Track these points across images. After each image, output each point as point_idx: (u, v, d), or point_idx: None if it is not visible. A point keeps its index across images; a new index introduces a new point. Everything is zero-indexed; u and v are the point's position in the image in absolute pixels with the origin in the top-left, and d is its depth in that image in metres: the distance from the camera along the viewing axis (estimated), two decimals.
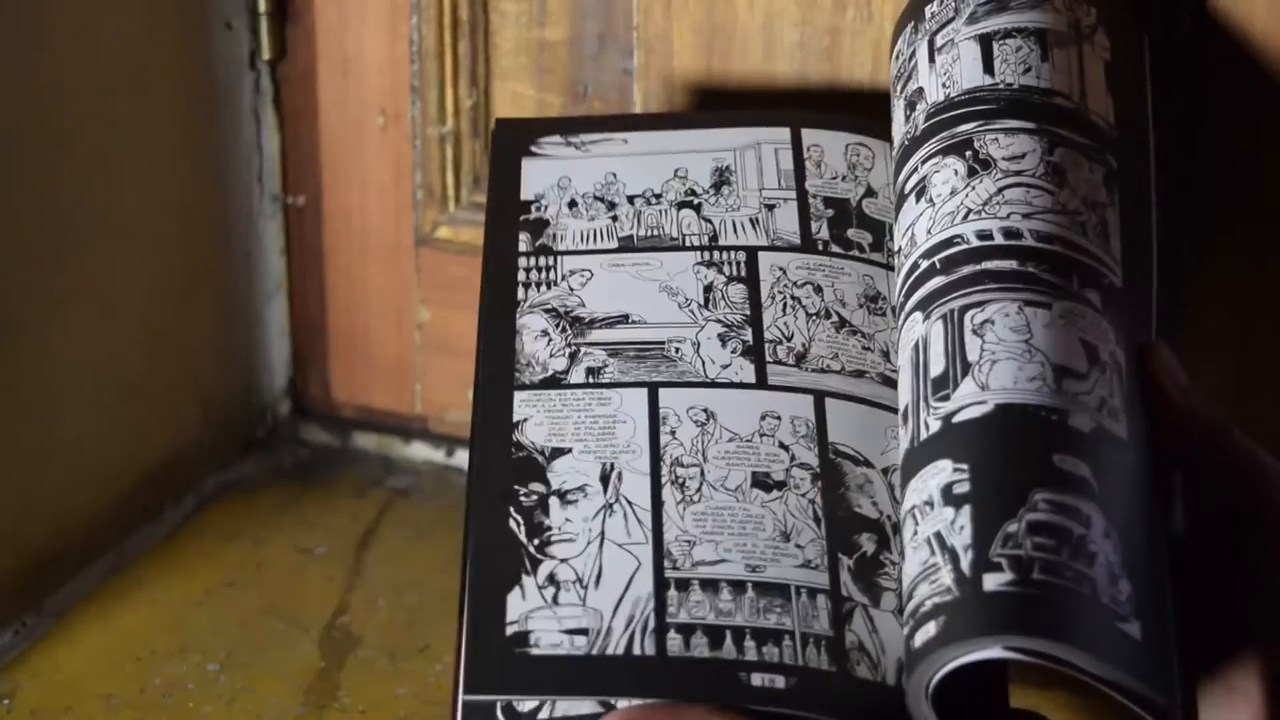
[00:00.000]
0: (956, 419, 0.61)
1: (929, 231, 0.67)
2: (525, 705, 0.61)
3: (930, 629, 0.57)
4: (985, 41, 0.70)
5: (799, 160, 0.75)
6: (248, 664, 0.86)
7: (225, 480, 1.01)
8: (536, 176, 0.76)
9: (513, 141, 0.77)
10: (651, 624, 0.60)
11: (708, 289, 0.71)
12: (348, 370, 1.02)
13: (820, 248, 0.72)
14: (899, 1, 0.82)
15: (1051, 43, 0.70)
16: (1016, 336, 0.62)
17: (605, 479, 0.64)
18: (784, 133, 0.76)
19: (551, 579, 0.62)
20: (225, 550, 0.95)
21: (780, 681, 0.59)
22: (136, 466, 0.95)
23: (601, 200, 0.74)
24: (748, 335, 0.69)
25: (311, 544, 0.95)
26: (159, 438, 0.97)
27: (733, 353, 0.68)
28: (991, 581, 0.56)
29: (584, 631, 0.60)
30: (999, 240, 0.65)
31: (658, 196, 0.74)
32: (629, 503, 0.64)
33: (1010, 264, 0.64)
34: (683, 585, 0.61)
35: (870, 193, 0.74)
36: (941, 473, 0.60)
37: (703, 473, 0.64)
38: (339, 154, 0.98)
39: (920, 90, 0.71)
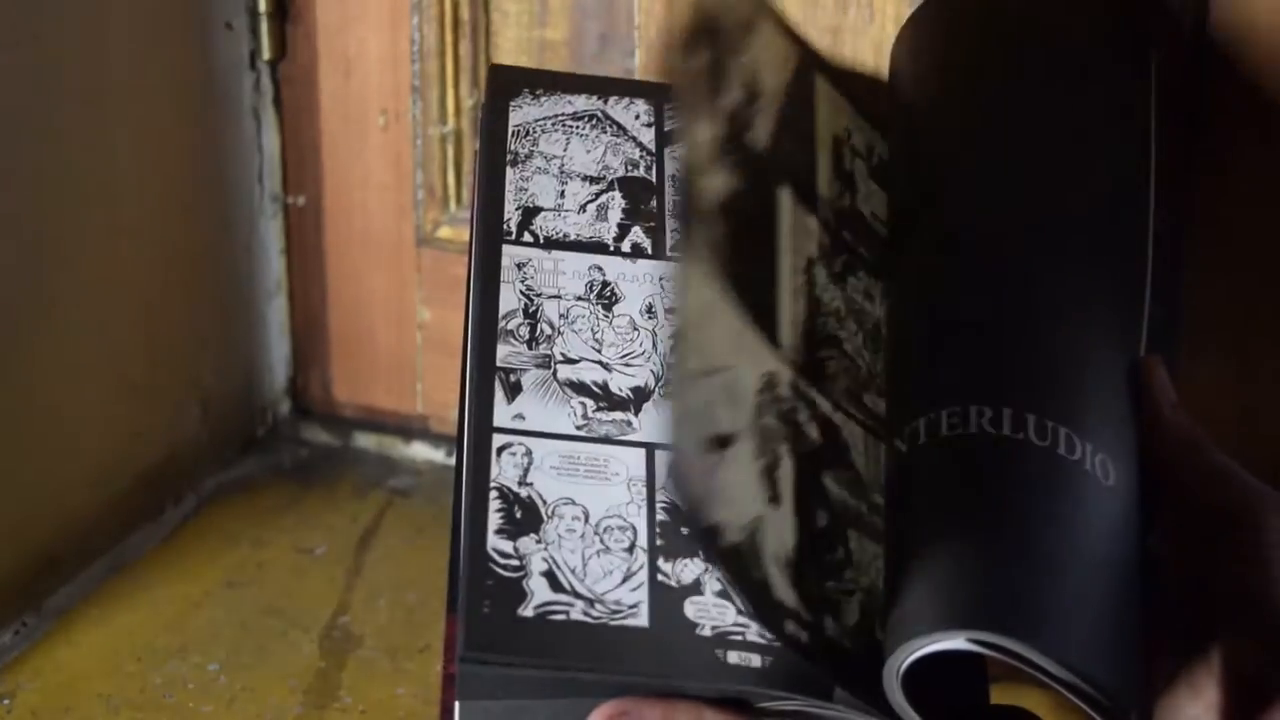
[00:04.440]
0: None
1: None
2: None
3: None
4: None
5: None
6: (248, 664, 0.86)
7: (225, 480, 1.01)
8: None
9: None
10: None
11: None
12: (348, 370, 1.02)
13: None
14: (901, 1, 0.82)
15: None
16: None
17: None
18: None
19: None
20: (225, 550, 0.95)
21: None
22: (136, 466, 0.95)
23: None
24: None
25: (311, 544, 0.95)
26: (159, 438, 0.97)
27: None
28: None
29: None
30: None
31: None
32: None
33: None
34: None
35: None
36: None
37: None
38: (340, 154, 0.98)
39: None
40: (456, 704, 0.60)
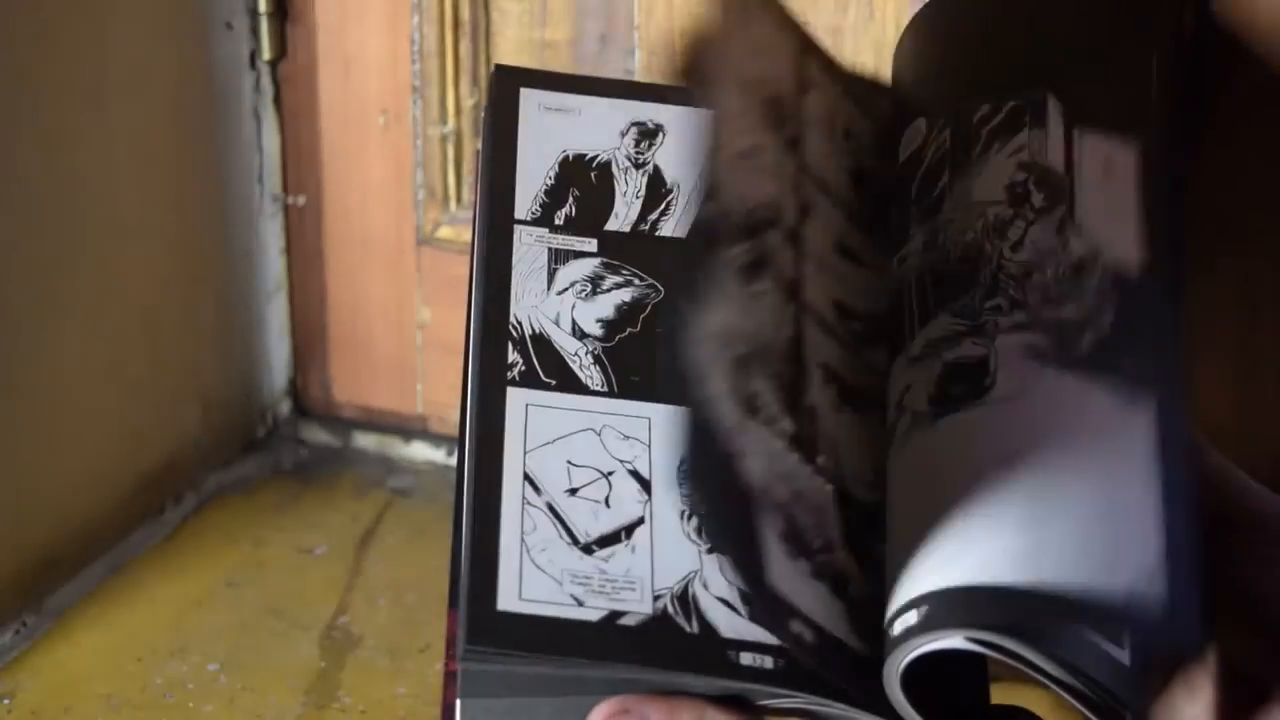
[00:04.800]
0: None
1: None
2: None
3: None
4: None
5: None
6: (248, 664, 0.86)
7: (225, 480, 1.01)
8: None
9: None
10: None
11: None
12: (348, 370, 1.02)
13: None
14: (901, 1, 0.82)
15: None
16: None
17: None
18: None
19: None
20: (225, 550, 0.95)
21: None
22: (136, 466, 0.95)
23: None
24: None
25: (311, 544, 0.95)
26: (159, 438, 0.97)
27: None
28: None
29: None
30: None
31: None
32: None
33: None
34: None
35: None
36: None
37: None
38: (340, 154, 0.98)
39: None
40: (458, 701, 0.60)
